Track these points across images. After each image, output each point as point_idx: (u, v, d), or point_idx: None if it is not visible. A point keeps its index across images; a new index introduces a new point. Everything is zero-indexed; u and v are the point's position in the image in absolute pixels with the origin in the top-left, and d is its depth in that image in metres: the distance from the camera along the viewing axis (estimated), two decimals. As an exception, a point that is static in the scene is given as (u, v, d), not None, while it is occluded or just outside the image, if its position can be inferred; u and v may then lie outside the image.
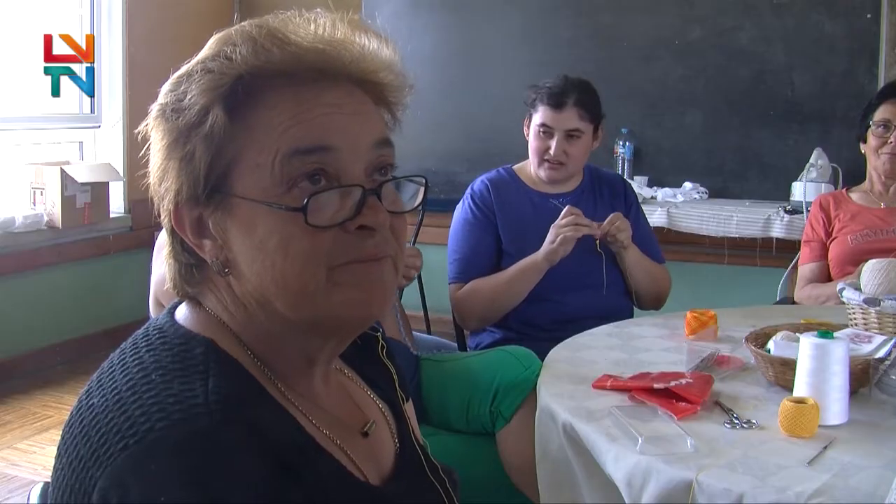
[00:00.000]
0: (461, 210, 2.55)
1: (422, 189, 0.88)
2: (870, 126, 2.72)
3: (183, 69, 0.83)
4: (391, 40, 0.87)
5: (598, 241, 2.39)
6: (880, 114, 2.70)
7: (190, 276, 0.86)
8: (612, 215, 2.41)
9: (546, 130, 2.45)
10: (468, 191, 2.56)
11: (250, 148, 0.80)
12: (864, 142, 2.76)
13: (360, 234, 0.80)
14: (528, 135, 2.53)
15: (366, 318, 0.85)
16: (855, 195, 2.81)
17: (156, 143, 0.83)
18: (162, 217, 0.86)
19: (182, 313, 0.86)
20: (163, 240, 1.98)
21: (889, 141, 2.66)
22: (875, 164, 2.73)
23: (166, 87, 0.84)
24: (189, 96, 0.80)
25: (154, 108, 0.84)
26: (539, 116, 2.46)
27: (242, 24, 0.84)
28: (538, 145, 2.48)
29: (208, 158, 0.80)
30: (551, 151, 2.45)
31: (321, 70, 0.82)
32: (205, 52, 0.83)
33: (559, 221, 2.35)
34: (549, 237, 2.35)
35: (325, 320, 0.83)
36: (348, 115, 0.82)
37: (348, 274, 0.81)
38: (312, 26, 0.83)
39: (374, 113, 0.86)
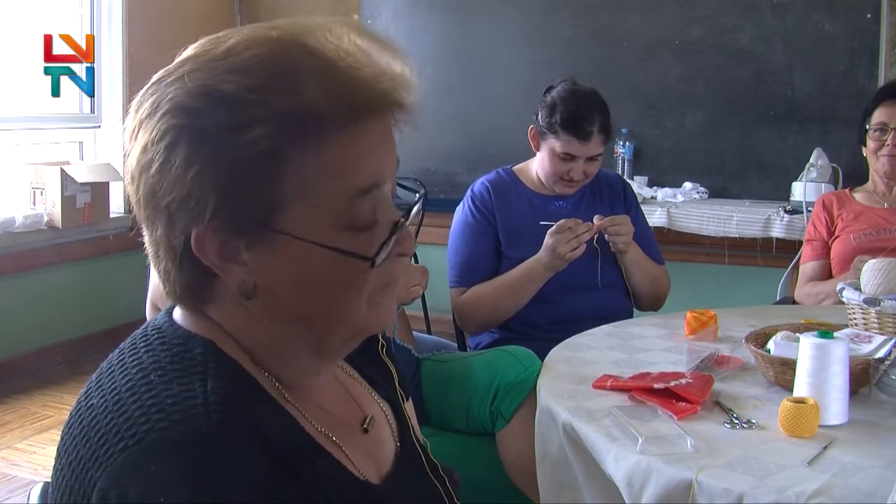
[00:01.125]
0: (461, 212, 2.54)
1: (421, 198, 0.90)
2: (868, 129, 2.74)
3: (216, 86, 0.76)
4: (409, 57, 0.84)
5: (594, 238, 2.37)
6: (877, 117, 2.72)
7: (199, 291, 0.83)
8: (614, 217, 2.40)
9: (569, 158, 2.40)
10: (468, 193, 2.55)
11: (308, 188, 0.77)
12: (865, 145, 2.78)
13: (395, 258, 0.84)
14: (535, 147, 2.48)
15: (380, 331, 0.91)
16: (858, 195, 2.83)
17: (178, 161, 0.76)
18: (171, 232, 0.79)
19: (180, 314, 0.86)
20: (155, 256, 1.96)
21: (886, 143, 2.69)
22: (875, 167, 2.76)
23: (192, 103, 0.76)
24: (252, 132, 0.74)
25: (172, 121, 0.76)
26: (562, 145, 2.38)
27: (280, 40, 0.78)
28: (557, 169, 2.42)
29: (262, 198, 0.77)
30: (573, 174, 2.42)
31: (371, 106, 0.80)
32: (249, 76, 0.76)
33: (556, 236, 2.29)
34: (549, 253, 2.31)
35: (351, 336, 0.87)
36: (389, 147, 0.83)
37: (383, 296, 0.85)
38: (343, 41, 0.79)
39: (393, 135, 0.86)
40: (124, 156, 0.83)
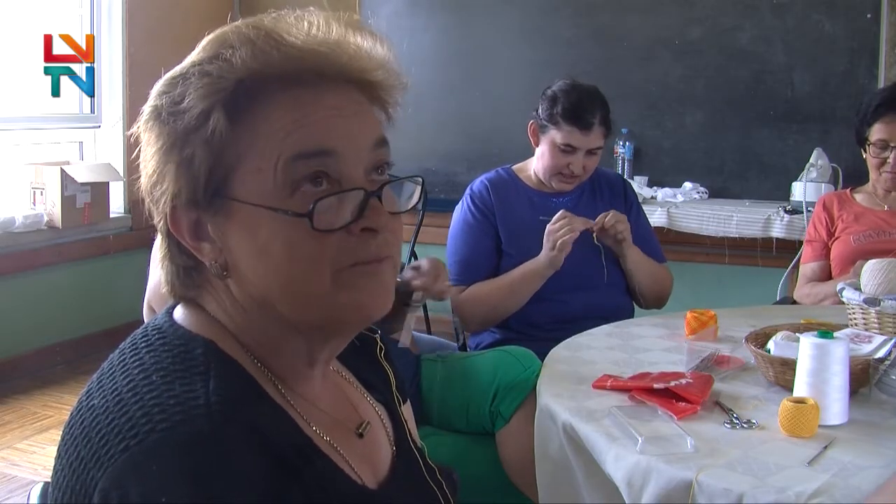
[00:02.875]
0: (460, 211, 2.54)
1: (418, 189, 0.88)
2: (867, 140, 2.73)
3: (176, 70, 0.82)
4: (385, 38, 0.86)
5: (594, 235, 2.38)
6: (877, 133, 2.70)
7: (188, 278, 0.86)
8: (616, 213, 2.41)
9: (569, 150, 2.41)
10: (467, 191, 2.55)
11: (251, 152, 0.80)
12: (865, 150, 2.77)
13: (362, 235, 0.81)
14: (535, 143, 2.49)
15: (368, 319, 0.85)
16: (859, 196, 2.82)
17: (150, 145, 0.82)
18: (156, 219, 0.85)
19: (180, 314, 0.86)
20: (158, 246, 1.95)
21: (888, 160, 2.68)
22: (876, 179, 2.76)
23: (159, 87, 0.82)
24: (187, 99, 0.79)
25: (147, 110, 0.82)
26: (563, 136, 2.39)
27: (236, 23, 0.83)
28: (557, 162, 2.43)
29: (209, 163, 0.79)
30: (572, 168, 2.42)
31: (319, 72, 0.81)
32: (199, 53, 0.82)
33: (551, 227, 2.33)
34: (546, 244, 2.33)
35: (327, 322, 0.84)
36: (348, 118, 0.82)
37: (353, 276, 0.81)
38: (306, 25, 0.82)
39: (370, 113, 0.86)
40: None
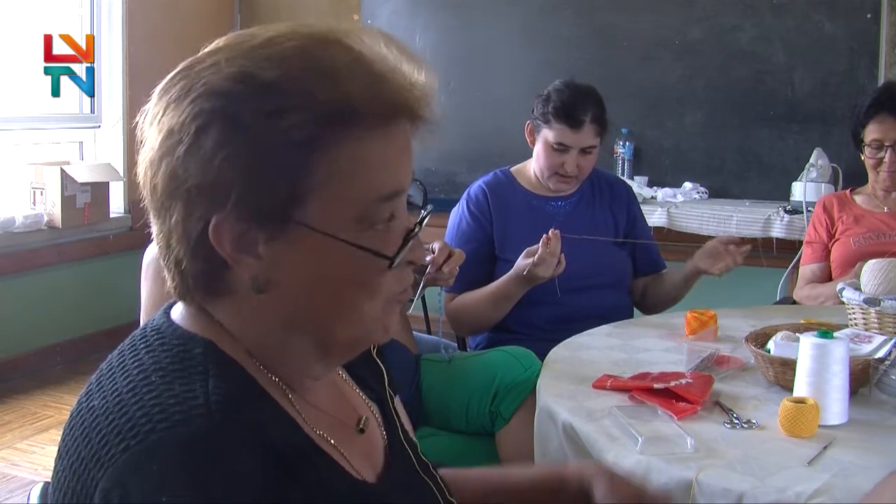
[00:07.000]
0: (456, 215, 2.53)
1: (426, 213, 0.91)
2: (863, 141, 2.73)
3: (263, 74, 0.76)
4: (429, 65, 0.85)
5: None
6: (871, 133, 2.71)
7: (210, 281, 0.81)
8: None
9: (562, 149, 2.41)
10: (465, 195, 2.54)
11: (334, 182, 0.78)
12: (862, 153, 2.77)
13: (405, 266, 0.85)
14: (532, 143, 2.49)
15: (385, 339, 0.90)
16: (859, 198, 2.82)
17: (207, 141, 0.75)
18: (188, 219, 0.78)
19: (178, 313, 0.85)
20: (150, 258, 1.88)
21: (884, 160, 2.68)
22: (875, 179, 2.76)
23: (234, 86, 0.76)
24: (291, 119, 0.75)
25: (206, 101, 0.76)
26: (554, 134, 2.39)
27: (317, 34, 0.80)
28: (552, 162, 2.43)
29: (290, 187, 0.77)
30: (566, 167, 2.42)
31: (401, 112, 0.81)
32: (288, 64, 0.77)
33: (541, 266, 2.20)
34: (530, 275, 2.23)
35: (356, 342, 0.87)
36: (409, 154, 0.85)
37: (393, 305, 0.86)
38: (392, 58, 0.81)
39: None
40: (140, 143, 0.81)
